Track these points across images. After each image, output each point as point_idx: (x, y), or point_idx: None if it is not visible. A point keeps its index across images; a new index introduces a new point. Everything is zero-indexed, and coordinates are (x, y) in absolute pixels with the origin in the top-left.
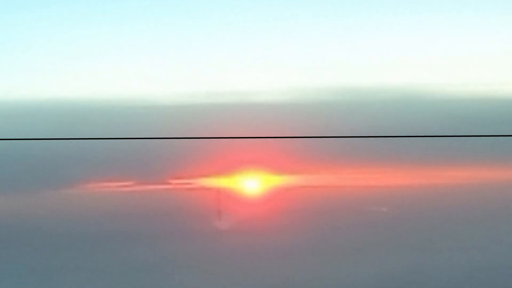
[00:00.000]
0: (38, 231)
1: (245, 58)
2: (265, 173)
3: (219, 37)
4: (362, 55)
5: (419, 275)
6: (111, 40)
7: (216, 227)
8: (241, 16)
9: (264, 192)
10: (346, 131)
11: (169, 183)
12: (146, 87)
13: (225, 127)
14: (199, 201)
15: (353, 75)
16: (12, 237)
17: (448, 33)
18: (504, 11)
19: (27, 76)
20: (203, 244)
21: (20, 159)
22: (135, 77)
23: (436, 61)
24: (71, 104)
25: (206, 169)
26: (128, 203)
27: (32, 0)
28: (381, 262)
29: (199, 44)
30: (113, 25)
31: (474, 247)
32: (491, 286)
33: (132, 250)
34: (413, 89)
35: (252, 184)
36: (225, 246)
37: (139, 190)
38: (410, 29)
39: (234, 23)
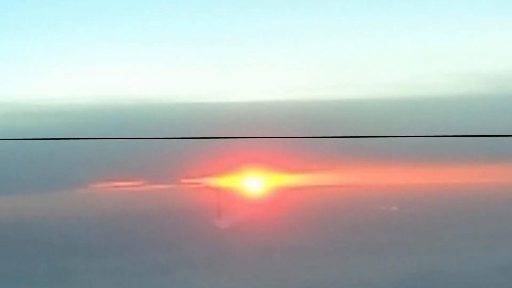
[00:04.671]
0: (49, 230)
1: (246, 57)
2: (273, 173)
3: (219, 40)
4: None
5: (430, 274)
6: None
7: (218, 227)
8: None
9: (273, 191)
10: (351, 130)
11: (178, 183)
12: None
13: (229, 126)
14: (207, 200)
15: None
16: (24, 236)
17: None
18: None
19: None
20: (207, 244)
21: (31, 160)
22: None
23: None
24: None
25: (213, 168)
26: (137, 202)
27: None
28: (391, 261)
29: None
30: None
31: (487, 245)
32: (506, 285)
33: (138, 250)
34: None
35: (259, 183)
36: (228, 246)
37: (147, 189)
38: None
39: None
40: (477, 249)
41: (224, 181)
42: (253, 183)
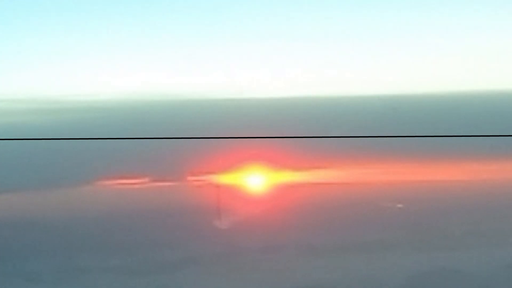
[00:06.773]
0: (54, 228)
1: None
2: (277, 170)
3: (228, 36)
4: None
5: (435, 273)
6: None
7: (223, 225)
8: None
9: (277, 188)
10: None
11: (183, 180)
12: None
13: (237, 122)
14: (213, 197)
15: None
16: (29, 235)
17: None
18: None
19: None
20: (214, 242)
21: (36, 158)
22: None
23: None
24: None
25: (219, 166)
26: (142, 200)
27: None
28: (397, 260)
29: (206, 41)
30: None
31: (493, 244)
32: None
33: (144, 248)
34: None
35: (265, 180)
36: (234, 244)
37: (152, 187)
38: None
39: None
40: (486, 247)
41: (231, 178)
42: (259, 180)
